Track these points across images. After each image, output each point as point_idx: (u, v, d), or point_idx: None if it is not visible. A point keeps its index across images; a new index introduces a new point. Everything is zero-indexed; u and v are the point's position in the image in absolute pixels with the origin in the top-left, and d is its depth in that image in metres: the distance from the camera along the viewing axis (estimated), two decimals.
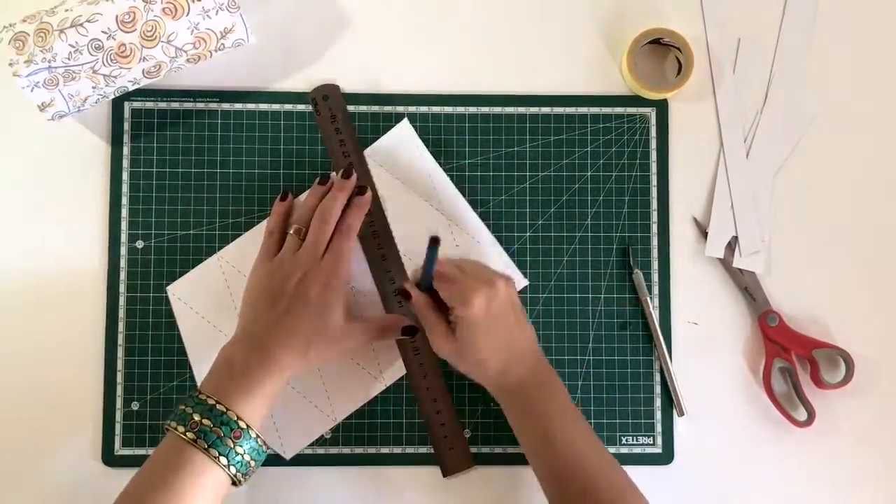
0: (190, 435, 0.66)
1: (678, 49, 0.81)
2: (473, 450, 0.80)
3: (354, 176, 0.79)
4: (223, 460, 0.66)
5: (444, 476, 0.79)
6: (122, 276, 0.80)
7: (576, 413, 0.73)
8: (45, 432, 0.79)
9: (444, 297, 0.73)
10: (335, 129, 0.81)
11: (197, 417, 0.66)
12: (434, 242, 0.69)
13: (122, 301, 0.80)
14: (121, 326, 0.80)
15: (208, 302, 0.80)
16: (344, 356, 0.80)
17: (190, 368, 0.79)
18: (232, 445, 0.66)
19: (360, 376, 0.80)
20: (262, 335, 0.71)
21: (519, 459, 0.79)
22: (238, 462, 0.67)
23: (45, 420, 0.79)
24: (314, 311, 0.73)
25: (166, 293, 0.80)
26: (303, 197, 0.80)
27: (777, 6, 0.84)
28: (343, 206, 0.78)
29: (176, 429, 0.67)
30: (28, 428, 0.79)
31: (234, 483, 0.68)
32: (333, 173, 0.81)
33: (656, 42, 0.82)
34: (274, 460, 0.79)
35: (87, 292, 0.80)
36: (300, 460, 0.79)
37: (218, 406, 0.67)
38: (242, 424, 0.67)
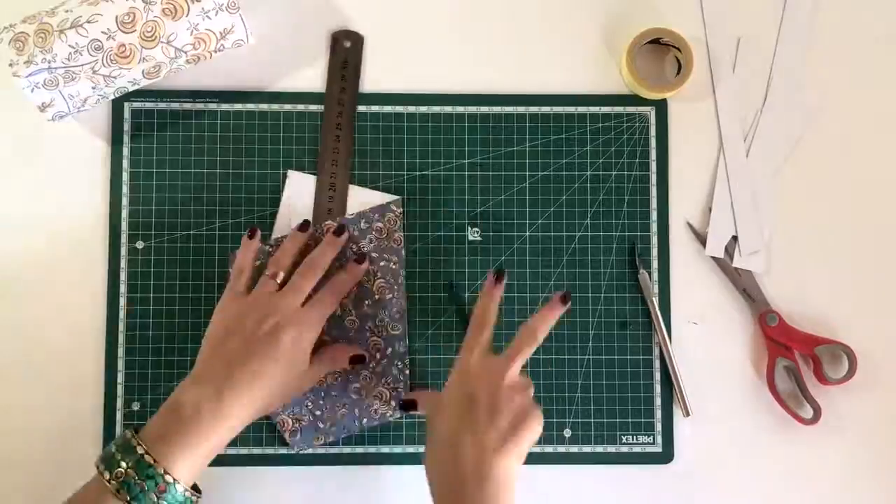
0: (114, 484, 0.64)
1: (678, 49, 0.81)
2: None
3: (346, 235, 0.78)
4: None
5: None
6: (123, 276, 0.80)
7: None
8: (45, 432, 0.79)
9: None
10: (341, 75, 0.80)
11: (123, 466, 0.64)
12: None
13: (122, 301, 0.80)
14: (121, 326, 0.80)
15: None
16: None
17: (191, 368, 0.79)
18: (155, 500, 0.64)
19: None
20: (221, 381, 0.68)
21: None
22: None
23: (46, 420, 0.79)
24: (284, 360, 0.70)
25: (165, 294, 0.80)
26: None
27: (777, 6, 0.84)
28: (331, 261, 0.76)
29: (102, 473, 0.65)
30: (28, 428, 0.79)
31: None
32: (315, 224, 0.79)
33: (656, 42, 0.82)
34: (275, 460, 0.79)
35: (88, 293, 0.80)
36: (296, 460, 0.80)
37: (146, 457, 0.64)
38: (169, 479, 0.64)
